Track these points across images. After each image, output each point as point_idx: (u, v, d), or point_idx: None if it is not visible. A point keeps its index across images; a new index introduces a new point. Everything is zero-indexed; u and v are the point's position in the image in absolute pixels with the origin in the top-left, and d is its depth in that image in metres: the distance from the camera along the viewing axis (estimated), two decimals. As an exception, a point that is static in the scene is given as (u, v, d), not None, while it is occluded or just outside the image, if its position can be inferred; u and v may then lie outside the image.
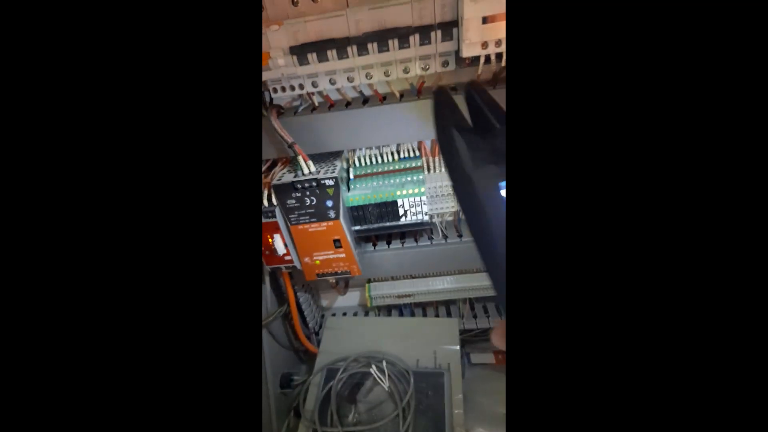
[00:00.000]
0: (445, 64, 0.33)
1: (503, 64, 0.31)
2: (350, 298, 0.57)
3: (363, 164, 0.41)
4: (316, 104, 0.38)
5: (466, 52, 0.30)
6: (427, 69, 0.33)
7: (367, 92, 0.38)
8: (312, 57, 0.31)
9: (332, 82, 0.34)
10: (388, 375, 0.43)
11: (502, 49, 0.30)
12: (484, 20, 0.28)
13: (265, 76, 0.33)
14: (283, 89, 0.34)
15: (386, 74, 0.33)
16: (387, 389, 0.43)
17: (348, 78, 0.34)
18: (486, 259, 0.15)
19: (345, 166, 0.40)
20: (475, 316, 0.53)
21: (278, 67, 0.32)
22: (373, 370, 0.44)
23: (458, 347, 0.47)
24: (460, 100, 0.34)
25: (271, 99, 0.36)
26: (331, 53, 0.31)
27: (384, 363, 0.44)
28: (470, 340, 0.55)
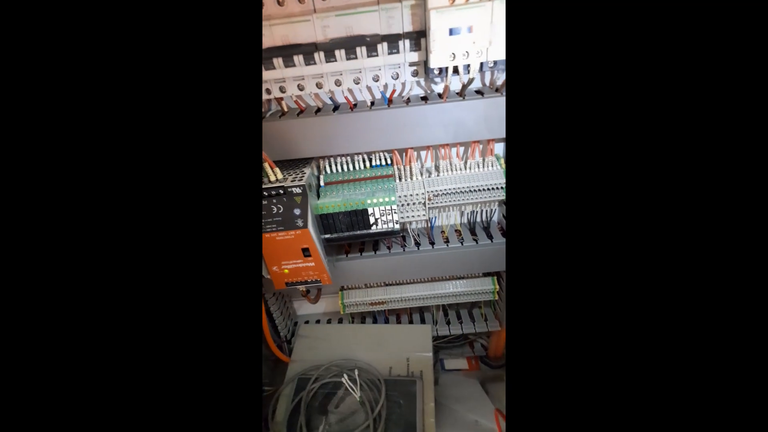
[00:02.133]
0: (415, 73, 0.33)
1: (471, 75, 0.32)
2: (323, 306, 0.57)
3: (334, 171, 0.40)
4: (286, 109, 0.37)
5: (434, 63, 0.30)
6: (397, 78, 0.33)
7: (340, 98, 0.37)
8: (278, 62, 0.31)
9: (300, 88, 0.33)
10: (360, 384, 0.43)
11: (470, 60, 0.30)
12: (451, 32, 0.28)
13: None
14: (249, 94, 0.33)
15: (355, 81, 0.33)
16: (359, 399, 0.42)
17: (317, 84, 0.33)
18: None
19: (315, 172, 0.39)
20: (448, 323, 0.54)
21: (243, 71, 0.31)
22: (345, 379, 0.44)
23: (431, 354, 0.47)
24: (430, 110, 0.35)
25: (237, 103, 0.35)
26: (298, 59, 0.30)
27: (356, 372, 0.44)
28: (444, 346, 0.56)
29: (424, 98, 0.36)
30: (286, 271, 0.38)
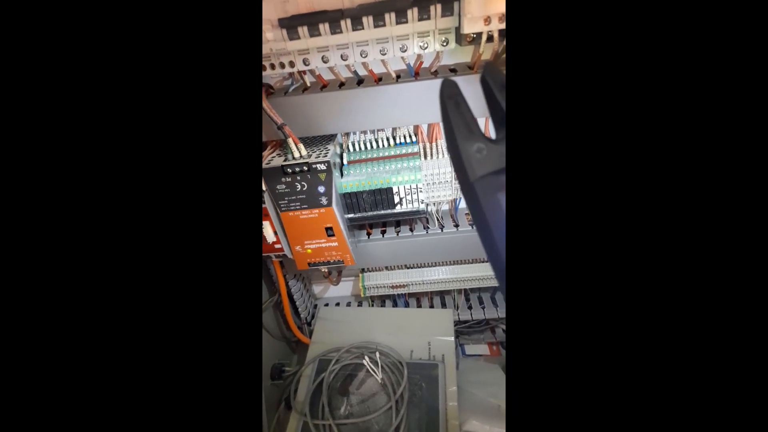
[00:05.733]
0: (445, 42, 0.31)
1: (506, 43, 0.30)
2: (343, 288, 0.56)
3: (357, 149, 0.39)
4: (308, 84, 0.36)
5: (468, 28, 0.28)
6: (426, 47, 0.31)
7: (362, 72, 0.36)
8: (303, 31, 0.29)
9: (325, 60, 0.32)
10: (382, 366, 0.42)
11: (506, 25, 0.28)
12: (488, -8, 0.26)
13: (253, 51, 0.31)
14: (272, 66, 0.32)
15: (382, 52, 0.31)
16: (380, 381, 0.42)
17: (342, 56, 0.32)
18: (490, 259, 0.16)
19: (338, 151, 0.38)
20: (470, 307, 0.53)
21: (267, 41, 0.30)
22: (366, 361, 0.43)
23: (453, 338, 0.46)
24: (459, 81, 0.33)
25: (260, 77, 0.34)
26: (323, 27, 0.29)
27: (377, 354, 0.44)
28: (464, 331, 0.55)
29: (453, 70, 0.34)
30: (309, 251, 0.37)
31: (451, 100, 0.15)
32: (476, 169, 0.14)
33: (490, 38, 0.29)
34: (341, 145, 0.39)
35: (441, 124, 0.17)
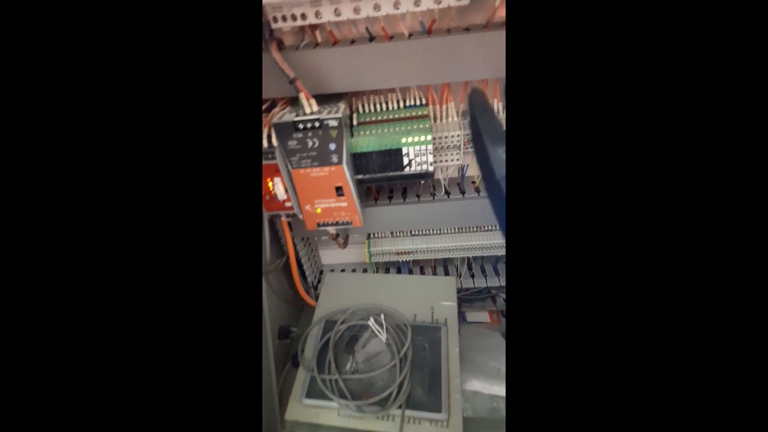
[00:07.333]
0: (460, -4, 0.31)
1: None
2: (349, 255, 0.57)
3: (367, 111, 0.39)
4: (319, 40, 0.35)
5: (485, -21, 0.27)
6: (440, 2, 0.31)
7: (373, 29, 0.35)
8: (317, -21, 0.29)
9: (337, 13, 0.31)
10: (386, 327, 0.44)
11: (524, -23, 0.27)
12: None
13: (264, 0, 0.30)
14: (284, 18, 0.32)
15: (396, 6, 0.31)
16: (385, 341, 0.43)
17: (354, 9, 0.31)
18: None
19: (348, 112, 0.38)
20: (472, 275, 0.54)
21: (279, -10, 0.29)
22: (371, 322, 0.44)
23: (455, 303, 0.47)
24: (472, 39, 0.32)
25: (271, 30, 0.33)
26: (338, -25, 0.28)
27: (382, 316, 0.45)
28: (466, 299, 0.56)
29: (467, 29, 0.34)
30: (319, 210, 0.38)
31: (480, 107, 0.17)
32: (503, 168, 0.16)
33: (506, -9, 0.29)
34: (351, 106, 0.39)
35: (468, 127, 0.18)
